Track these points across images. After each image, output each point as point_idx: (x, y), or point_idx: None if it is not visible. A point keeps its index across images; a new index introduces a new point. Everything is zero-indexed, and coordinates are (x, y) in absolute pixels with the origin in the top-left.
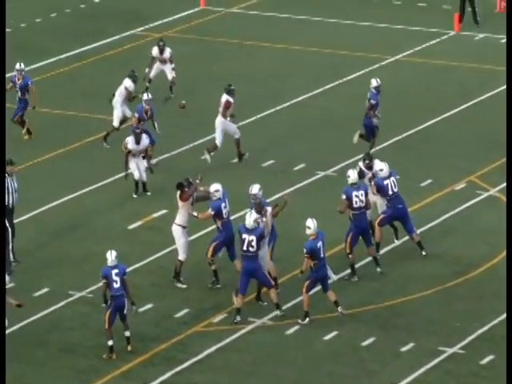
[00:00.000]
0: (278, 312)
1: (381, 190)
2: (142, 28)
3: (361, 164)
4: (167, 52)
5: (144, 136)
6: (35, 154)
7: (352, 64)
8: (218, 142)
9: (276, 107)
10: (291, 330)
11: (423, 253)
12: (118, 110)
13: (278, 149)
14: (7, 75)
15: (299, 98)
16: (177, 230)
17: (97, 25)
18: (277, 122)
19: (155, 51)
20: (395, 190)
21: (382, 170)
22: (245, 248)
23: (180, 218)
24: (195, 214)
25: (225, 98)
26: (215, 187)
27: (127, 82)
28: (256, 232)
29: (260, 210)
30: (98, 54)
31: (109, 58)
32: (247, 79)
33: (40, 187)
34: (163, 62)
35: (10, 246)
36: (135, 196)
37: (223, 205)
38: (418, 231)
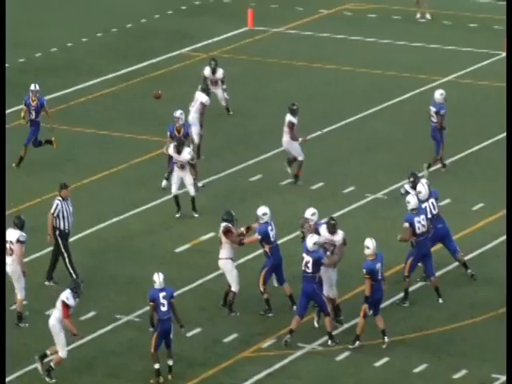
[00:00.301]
0: (329, 342)
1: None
2: (189, 48)
3: (406, 186)
4: (220, 72)
5: (187, 150)
6: (80, 175)
7: (402, 85)
8: (301, 156)
9: (325, 129)
10: (341, 356)
11: (468, 271)
12: (197, 127)
13: (328, 171)
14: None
15: (349, 120)
16: (226, 264)
17: (144, 44)
18: (326, 143)
19: (207, 71)
20: (434, 212)
21: (420, 192)
22: (302, 267)
23: (226, 252)
24: (241, 229)
25: (287, 118)
26: (263, 210)
27: (203, 97)
28: (314, 254)
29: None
30: (145, 74)
31: (156, 78)
32: (296, 100)
33: (85, 209)
34: (215, 83)
35: (71, 269)
36: (177, 216)
37: (270, 228)
38: (470, 256)
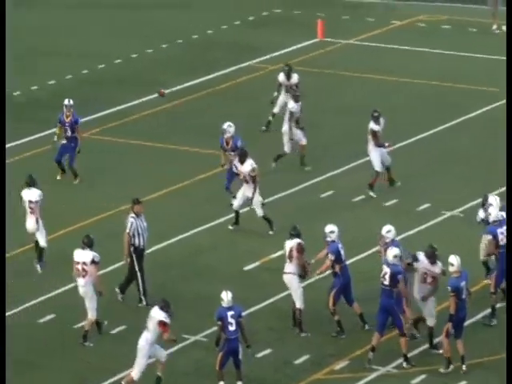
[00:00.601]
0: (404, 364)
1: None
2: (256, 60)
3: (480, 213)
4: (294, 78)
5: (249, 162)
6: (146, 191)
7: (474, 98)
8: (378, 167)
9: (398, 144)
10: (417, 379)
11: None
12: (287, 136)
13: (401, 187)
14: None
15: (422, 135)
16: (292, 280)
17: (209, 56)
18: (399, 158)
19: (281, 77)
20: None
21: (490, 214)
22: (380, 279)
23: (294, 267)
24: (313, 261)
25: (370, 125)
26: (330, 228)
27: (294, 107)
28: (393, 267)
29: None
30: (211, 87)
31: (222, 91)
32: (365, 113)
33: (151, 226)
34: (289, 89)
35: (142, 289)
36: (231, 228)
37: (340, 246)
38: None
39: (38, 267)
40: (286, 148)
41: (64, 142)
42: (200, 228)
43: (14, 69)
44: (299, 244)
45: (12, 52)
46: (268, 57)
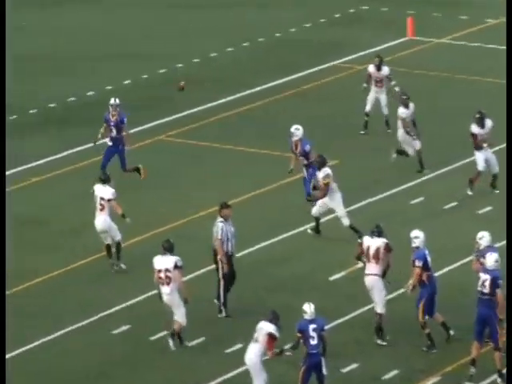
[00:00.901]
0: (499, 381)
1: None
2: (342, 60)
3: None
4: (385, 70)
5: (323, 169)
6: (223, 196)
7: None
8: (480, 167)
9: (496, 147)
10: None
11: None
12: (415, 142)
13: (499, 195)
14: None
15: None
16: (377, 281)
17: (292, 56)
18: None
19: (371, 68)
20: None
21: None
22: (479, 288)
23: (378, 268)
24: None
25: (471, 127)
26: (415, 233)
27: (404, 112)
28: (493, 273)
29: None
30: (294, 88)
31: (305, 92)
32: (458, 116)
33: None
34: (379, 81)
35: (222, 298)
36: (310, 232)
37: (426, 252)
38: None
39: (122, 266)
40: (410, 151)
41: (109, 144)
42: (282, 235)
43: (88, 70)
44: (387, 244)
45: (89, 54)
46: (354, 56)
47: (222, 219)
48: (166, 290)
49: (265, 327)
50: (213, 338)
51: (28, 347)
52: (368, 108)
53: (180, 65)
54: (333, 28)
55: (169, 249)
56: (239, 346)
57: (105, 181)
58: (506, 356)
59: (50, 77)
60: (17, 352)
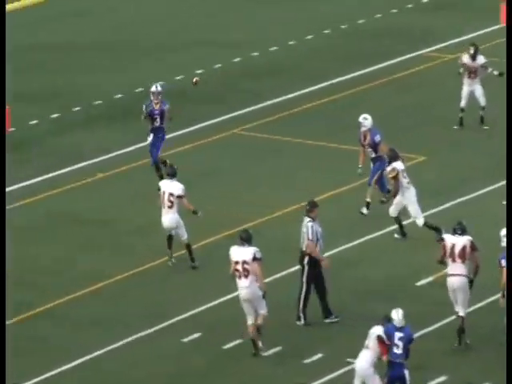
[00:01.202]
0: None
1: None
2: (430, 48)
3: None
4: (480, 59)
5: (394, 163)
6: (302, 193)
7: None
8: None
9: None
10: None
11: None
12: None
13: None
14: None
15: None
16: (464, 283)
17: (377, 44)
18: None
19: (466, 58)
20: None
21: None
22: None
23: (465, 268)
24: None
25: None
26: (504, 232)
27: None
28: None
29: None
30: (379, 79)
31: (390, 83)
32: None
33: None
34: (473, 72)
35: (302, 305)
36: (396, 236)
37: None
38: None
39: (196, 263)
40: None
41: (150, 137)
42: (363, 238)
43: (154, 60)
44: (472, 241)
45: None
46: (443, 45)
47: (310, 219)
48: (243, 283)
49: (375, 331)
50: (290, 348)
51: (91, 356)
52: (463, 103)
53: (256, 53)
54: (421, 14)
55: (247, 239)
56: (319, 355)
57: (171, 175)
58: (506, 356)
59: (115, 68)
60: (79, 361)
